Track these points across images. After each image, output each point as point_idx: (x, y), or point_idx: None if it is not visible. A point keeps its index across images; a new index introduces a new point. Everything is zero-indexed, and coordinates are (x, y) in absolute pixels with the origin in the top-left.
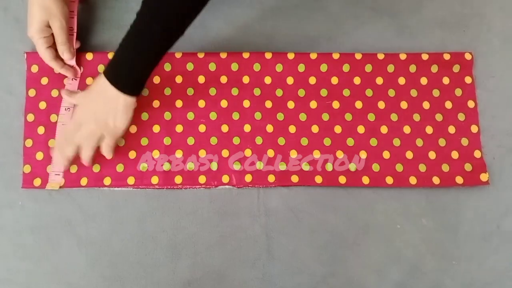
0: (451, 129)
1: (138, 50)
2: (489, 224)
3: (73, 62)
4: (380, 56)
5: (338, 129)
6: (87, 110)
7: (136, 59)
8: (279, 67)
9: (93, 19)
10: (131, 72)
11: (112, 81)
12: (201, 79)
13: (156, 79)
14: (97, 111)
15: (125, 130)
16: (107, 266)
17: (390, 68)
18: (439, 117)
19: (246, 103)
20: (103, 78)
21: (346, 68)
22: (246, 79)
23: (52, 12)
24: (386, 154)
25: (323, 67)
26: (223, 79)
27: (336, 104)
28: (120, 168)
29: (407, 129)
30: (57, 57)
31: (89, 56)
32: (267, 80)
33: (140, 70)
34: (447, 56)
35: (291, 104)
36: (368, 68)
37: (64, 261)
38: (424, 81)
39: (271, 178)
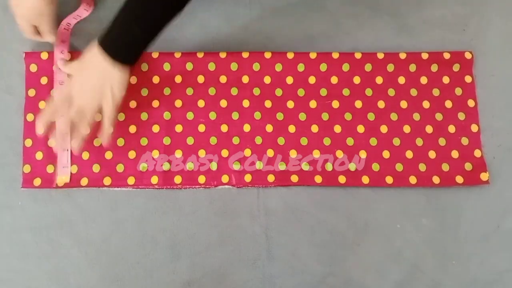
0: (451, 129)
1: (134, 19)
2: (489, 224)
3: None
4: (380, 56)
5: (338, 128)
6: (82, 81)
7: (132, 28)
8: (278, 67)
9: (93, 19)
10: (125, 38)
11: (106, 48)
12: (201, 79)
13: (156, 79)
14: (92, 81)
15: (122, 98)
16: (107, 266)
17: (390, 67)
18: (439, 116)
19: (246, 103)
20: (96, 48)
21: (345, 67)
22: (245, 79)
23: (43, 13)
24: (386, 154)
25: (323, 67)
26: (223, 79)
27: (335, 104)
28: (120, 168)
29: (407, 129)
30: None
31: None
32: (267, 79)
33: (135, 38)
34: (447, 55)
35: (290, 104)
36: (368, 67)
37: (64, 261)
38: (424, 80)
39: (271, 178)
